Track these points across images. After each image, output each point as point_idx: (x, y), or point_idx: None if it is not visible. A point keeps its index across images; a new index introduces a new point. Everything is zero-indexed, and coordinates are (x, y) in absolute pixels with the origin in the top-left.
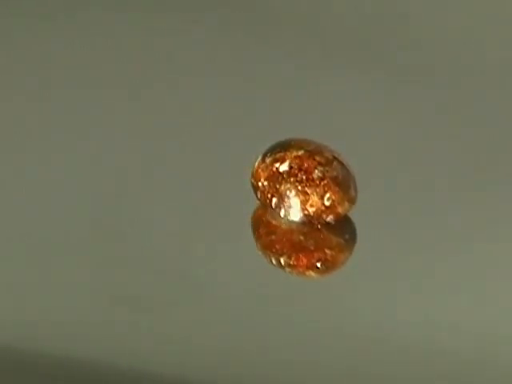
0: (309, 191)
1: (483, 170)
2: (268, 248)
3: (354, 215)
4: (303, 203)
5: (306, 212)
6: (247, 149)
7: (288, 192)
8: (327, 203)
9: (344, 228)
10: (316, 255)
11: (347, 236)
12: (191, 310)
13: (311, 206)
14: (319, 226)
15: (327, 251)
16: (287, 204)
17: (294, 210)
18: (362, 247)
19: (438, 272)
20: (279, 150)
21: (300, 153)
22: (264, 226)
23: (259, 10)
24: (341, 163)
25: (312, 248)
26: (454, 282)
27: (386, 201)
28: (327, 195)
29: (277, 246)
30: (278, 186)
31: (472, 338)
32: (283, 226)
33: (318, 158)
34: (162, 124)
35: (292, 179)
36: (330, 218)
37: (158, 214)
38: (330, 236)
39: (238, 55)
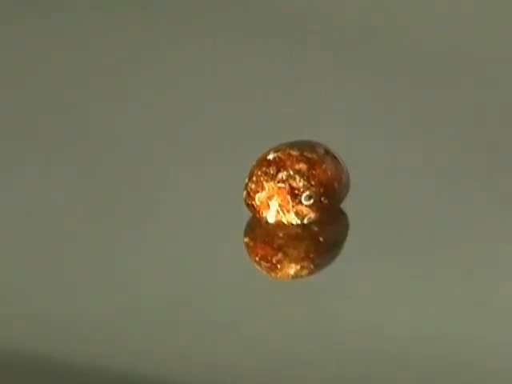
0: (265, 185)
1: (483, 168)
2: (254, 226)
3: (353, 215)
4: (254, 192)
5: (252, 202)
6: (246, 149)
7: (255, 178)
8: (269, 203)
9: (326, 249)
10: (267, 253)
11: (315, 256)
12: None
13: (258, 199)
14: (301, 231)
15: (279, 255)
16: (254, 189)
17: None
18: (361, 246)
19: (437, 272)
20: (288, 145)
21: (294, 153)
22: None
23: (259, 9)
24: (324, 181)
25: (274, 246)
26: (453, 281)
27: (385, 200)
28: (275, 197)
29: (257, 230)
30: (254, 169)
31: (472, 340)
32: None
33: (300, 164)
34: (161, 123)
35: (264, 168)
36: (308, 219)
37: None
38: (300, 247)
39: (237, 54)
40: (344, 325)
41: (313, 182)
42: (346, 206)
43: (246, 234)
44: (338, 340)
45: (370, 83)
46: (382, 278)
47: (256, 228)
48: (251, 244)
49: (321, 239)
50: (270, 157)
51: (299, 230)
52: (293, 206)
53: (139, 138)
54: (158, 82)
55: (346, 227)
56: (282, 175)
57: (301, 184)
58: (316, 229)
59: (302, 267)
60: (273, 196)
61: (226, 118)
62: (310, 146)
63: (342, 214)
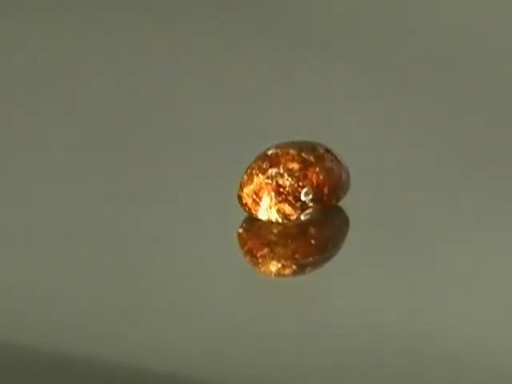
0: (254, 179)
1: (483, 167)
2: (253, 220)
3: (353, 215)
4: (245, 184)
5: (241, 194)
6: (246, 149)
7: (249, 171)
8: (255, 198)
9: (315, 251)
10: (254, 247)
11: (300, 257)
12: None
13: (245, 192)
14: (297, 230)
15: (265, 251)
16: (248, 182)
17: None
18: (360, 245)
19: (437, 271)
20: (290, 143)
21: (292, 152)
22: None
23: (259, 9)
24: (314, 184)
25: (264, 242)
26: (453, 281)
27: (385, 200)
28: (260, 193)
29: (254, 224)
30: (252, 161)
31: (471, 339)
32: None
33: (294, 164)
34: (161, 123)
35: (259, 162)
36: (306, 216)
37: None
38: (288, 245)
39: (237, 54)
40: (343, 325)
41: (301, 183)
42: (346, 205)
43: (241, 226)
44: (338, 340)
45: (370, 83)
46: (381, 277)
47: (254, 222)
48: (243, 236)
49: (312, 241)
50: (269, 152)
51: (294, 229)
52: (275, 204)
53: (139, 137)
54: (157, 81)
55: (345, 230)
56: (272, 171)
57: (287, 183)
58: (312, 229)
59: (284, 266)
60: (258, 190)
61: (225, 117)
62: (311, 146)
63: (342, 216)
